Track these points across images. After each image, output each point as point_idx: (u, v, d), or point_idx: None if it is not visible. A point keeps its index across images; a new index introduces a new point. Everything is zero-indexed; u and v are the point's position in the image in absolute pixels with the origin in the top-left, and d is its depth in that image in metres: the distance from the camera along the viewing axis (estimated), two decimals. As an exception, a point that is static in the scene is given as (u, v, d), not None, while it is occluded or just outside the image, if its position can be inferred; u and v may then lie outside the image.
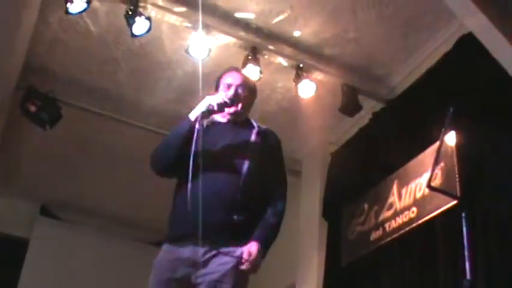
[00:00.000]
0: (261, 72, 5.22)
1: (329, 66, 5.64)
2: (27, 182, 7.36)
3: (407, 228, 4.86)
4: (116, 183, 7.22)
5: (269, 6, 5.14)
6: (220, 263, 2.71)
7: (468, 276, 3.41)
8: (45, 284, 7.18)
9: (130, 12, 4.86)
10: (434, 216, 4.56)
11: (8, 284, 7.01)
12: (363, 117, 5.95)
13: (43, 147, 6.68)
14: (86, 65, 5.85)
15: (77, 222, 7.75)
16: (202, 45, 5.09)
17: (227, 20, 5.23)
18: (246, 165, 2.89)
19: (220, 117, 3.08)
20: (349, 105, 5.69)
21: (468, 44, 4.48)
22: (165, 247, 2.85)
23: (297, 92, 5.54)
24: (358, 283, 5.36)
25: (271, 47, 5.43)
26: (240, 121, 3.10)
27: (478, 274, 3.81)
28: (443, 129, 3.94)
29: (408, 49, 5.48)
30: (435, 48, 5.29)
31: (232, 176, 2.86)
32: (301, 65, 5.51)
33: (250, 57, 5.22)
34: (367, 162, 5.74)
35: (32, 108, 5.70)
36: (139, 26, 4.90)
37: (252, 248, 2.73)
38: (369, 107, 5.92)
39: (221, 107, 2.98)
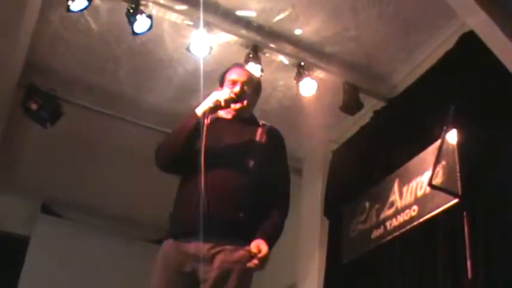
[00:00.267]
0: (262, 70, 5.21)
1: (330, 64, 5.64)
2: (28, 180, 7.36)
3: (408, 227, 4.85)
4: (116, 181, 7.22)
5: (270, 4, 5.13)
6: (226, 260, 2.70)
7: (469, 275, 3.41)
8: (46, 282, 7.18)
9: (131, 10, 4.86)
10: (436, 215, 4.55)
11: (8, 282, 7.02)
12: (364, 116, 5.94)
13: (44, 145, 6.68)
14: (87, 63, 5.85)
15: (77, 220, 7.76)
16: (204, 44, 5.09)
17: (228, 18, 5.22)
18: (251, 163, 2.89)
19: (224, 114, 3.07)
20: (350, 104, 5.68)
21: (469, 42, 4.48)
22: (171, 242, 2.83)
23: (298, 90, 5.54)
24: (359, 281, 5.36)
25: (272, 45, 5.42)
26: (245, 118, 3.09)
27: (478, 273, 3.81)
28: (444, 128, 3.94)
29: (409, 47, 5.48)
30: (436, 46, 5.28)
31: (238, 174, 2.85)
32: (302, 63, 5.51)
33: (251, 56, 5.22)
34: (368, 160, 5.74)
35: (33, 106, 5.70)
36: (141, 24, 4.89)
37: (261, 244, 2.72)
38: (370, 105, 5.91)
39: (228, 102, 2.97)
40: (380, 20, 5.21)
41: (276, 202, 2.93)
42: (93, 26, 5.40)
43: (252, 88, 3.12)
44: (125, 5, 4.91)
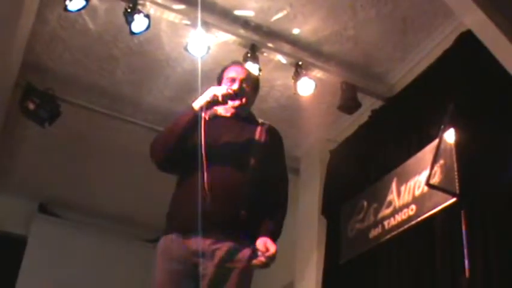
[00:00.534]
0: (260, 69, 5.21)
1: (328, 63, 5.64)
2: (25, 180, 7.36)
3: (406, 226, 4.85)
4: (114, 181, 7.22)
5: (268, 3, 5.13)
6: (227, 257, 2.71)
7: (466, 274, 3.42)
8: (44, 282, 7.18)
9: (129, 10, 4.85)
10: (433, 214, 4.56)
11: (6, 282, 7.02)
12: (362, 115, 5.94)
13: (42, 145, 6.68)
14: (85, 62, 5.84)
15: (75, 220, 7.76)
16: (201, 43, 5.08)
17: (226, 17, 5.22)
18: (252, 162, 2.89)
19: (223, 111, 3.08)
20: (348, 103, 5.68)
21: (467, 41, 4.48)
22: (173, 237, 2.80)
23: (296, 89, 5.53)
24: (357, 280, 5.36)
25: (270, 45, 5.42)
26: (244, 116, 3.09)
27: (476, 272, 3.81)
28: (442, 127, 3.95)
29: (407, 47, 5.48)
30: (434, 45, 5.29)
31: (239, 172, 2.85)
32: (300, 63, 5.50)
33: (249, 55, 5.21)
34: (366, 159, 5.74)
35: (31, 106, 5.69)
36: (138, 23, 4.89)
37: (268, 242, 2.73)
38: (368, 104, 5.91)
39: (226, 98, 2.95)
40: (378, 20, 5.21)
41: (276, 201, 2.94)
42: (91, 25, 5.39)
43: (251, 86, 3.12)
44: (123, 5, 4.90)
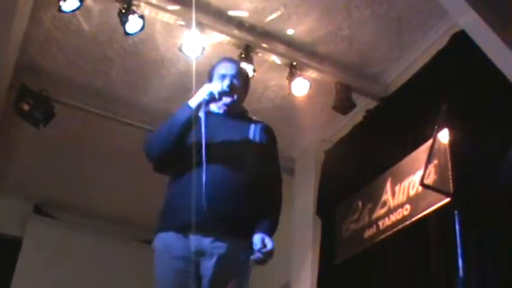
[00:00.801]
0: (254, 70, 5.21)
1: (322, 64, 5.65)
2: (20, 181, 7.34)
3: (400, 226, 4.87)
4: (109, 182, 7.21)
5: (262, 4, 5.14)
6: (226, 256, 2.70)
7: (461, 274, 3.42)
8: (39, 284, 7.17)
9: (123, 11, 4.85)
10: (428, 214, 4.57)
11: (1, 283, 7.00)
12: (357, 115, 5.95)
13: (36, 146, 6.67)
14: (79, 63, 5.83)
15: (70, 221, 7.75)
16: (196, 44, 5.08)
17: (220, 18, 5.22)
18: (247, 160, 2.88)
19: (216, 109, 3.06)
20: (343, 103, 5.69)
21: (461, 41, 4.49)
22: (172, 234, 2.76)
23: (290, 90, 5.54)
24: (352, 281, 5.37)
25: (264, 45, 5.42)
26: (237, 113, 3.08)
27: (470, 272, 3.82)
28: (436, 127, 3.95)
29: (402, 47, 5.49)
30: (429, 45, 5.30)
31: (236, 170, 2.84)
32: (294, 63, 5.51)
33: (243, 56, 5.21)
34: (360, 159, 5.75)
35: (25, 107, 5.68)
36: (133, 24, 4.88)
37: (266, 239, 2.73)
38: (363, 104, 5.92)
39: (221, 95, 2.94)
40: (372, 20, 5.22)
41: (271, 200, 2.93)
42: (85, 26, 5.38)
43: (242, 81, 3.09)
44: (117, 6, 4.90)
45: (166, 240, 2.78)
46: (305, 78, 5.52)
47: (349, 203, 5.70)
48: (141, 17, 4.89)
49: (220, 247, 2.71)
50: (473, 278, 3.83)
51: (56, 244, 7.54)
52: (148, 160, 2.93)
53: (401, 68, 5.65)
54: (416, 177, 4.77)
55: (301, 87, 5.51)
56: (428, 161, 4.08)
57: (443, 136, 4.27)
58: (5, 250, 7.40)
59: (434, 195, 4.42)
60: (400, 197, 4.98)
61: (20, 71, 5.62)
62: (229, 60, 3.26)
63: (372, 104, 5.88)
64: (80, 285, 7.29)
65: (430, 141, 4.11)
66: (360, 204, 5.53)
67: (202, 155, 2.78)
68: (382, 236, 5.07)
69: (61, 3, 4.72)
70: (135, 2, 4.89)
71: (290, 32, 5.40)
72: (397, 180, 5.09)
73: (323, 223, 6.09)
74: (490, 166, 4.00)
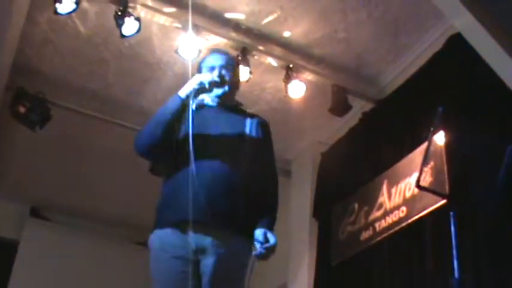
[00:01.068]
0: (250, 72, 5.23)
1: (319, 66, 5.66)
2: (17, 184, 7.32)
3: (397, 228, 4.87)
4: (105, 184, 7.20)
5: (259, 6, 5.14)
6: (225, 253, 2.65)
7: (456, 275, 3.43)
8: (36, 286, 7.15)
9: (119, 13, 4.85)
10: (424, 216, 4.57)
11: (-2, 286, 6.99)
12: (353, 118, 5.96)
13: (33, 148, 6.65)
14: (75, 65, 5.83)
15: (67, 224, 7.73)
16: (192, 46, 5.07)
17: (217, 20, 5.23)
18: (244, 155, 2.83)
19: (210, 101, 2.99)
20: (339, 106, 5.70)
21: (457, 44, 4.50)
22: (170, 231, 2.69)
23: (286, 92, 5.55)
24: (348, 283, 5.37)
25: (261, 48, 5.44)
26: (231, 105, 3.03)
27: (466, 273, 3.82)
28: (431, 129, 3.95)
29: (398, 49, 5.51)
30: (425, 48, 5.31)
31: (233, 165, 2.77)
32: (291, 66, 5.52)
33: (240, 58, 5.22)
34: (357, 162, 5.76)
35: (22, 110, 5.68)
36: (129, 26, 4.89)
37: (268, 234, 2.68)
38: (359, 107, 5.93)
39: (212, 85, 2.87)
40: (369, 22, 5.23)
41: (270, 197, 2.88)
42: (81, 28, 5.38)
43: (232, 71, 3.02)
44: (113, 8, 4.90)
45: (163, 238, 2.71)
46: (301, 80, 5.53)
47: (345, 204, 5.70)
48: (137, 19, 4.89)
49: (221, 245, 2.65)
50: (469, 279, 3.84)
51: (52, 247, 7.51)
52: (138, 152, 2.86)
53: (398, 71, 5.66)
54: (412, 179, 4.77)
55: (297, 89, 5.52)
56: (424, 163, 4.08)
57: (439, 138, 4.27)
58: (1, 253, 7.37)
59: (430, 197, 4.43)
60: (396, 199, 4.98)
61: (16, 74, 5.61)
62: (218, 51, 3.19)
63: (368, 106, 5.89)
64: (77, 287, 7.27)
65: (426, 143, 4.12)
66: (356, 206, 5.53)
67: (197, 149, 2.69)
68: (379, 238, 5.07)
69: (57, 5, 4.72)
70: (131, 4, 4.89)
71: (286, 34, 5.41)
72: (393, 182, 5.10)
73: (320, 225, 6.10)
74: (486, 168, 4.01)
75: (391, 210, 5.00)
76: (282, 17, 5.23)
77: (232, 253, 2.67)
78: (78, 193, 7.39)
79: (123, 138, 6.37)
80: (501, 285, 3.73)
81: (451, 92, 4.55)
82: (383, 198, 5.18)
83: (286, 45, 5.49)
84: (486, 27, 3.65)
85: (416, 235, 4.64)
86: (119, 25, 4.87)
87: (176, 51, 5.15)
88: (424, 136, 4.42)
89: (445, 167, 4.36)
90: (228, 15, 5.24)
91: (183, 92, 2.85)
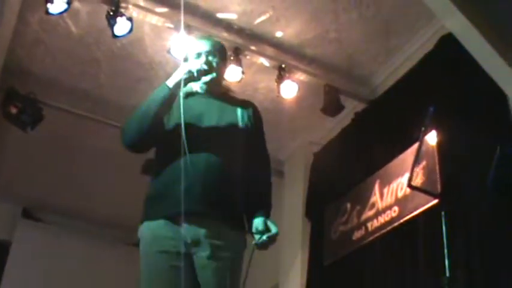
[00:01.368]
0: (243, 72, 5.23)
1: (311, 66, 5.67)
2: (8, 185, 7.29)
3: (389, 228, 4.89)
4: (98, 185, 7.18)
5: (251, 6, 5.15)
6: (221, 244, 2.61)
7: (447, 274, 3.44)
8: (28, 287, 7.13)
9: (111, 13, 4.84)
10: (416, 215, 4.59)
11: (-11, 287, 6.96)
12: (345, 118, 5.97)
13: (24, 149, 6.63)
14: (67, 66, 5.81)
15: (59, 224, 7.71)
16: (184, 46, 5.07)
17: (209, 20, 5.23)
18: (236, 145, 2.79)
19: (199, 89, 2.94)
20: (331, 106, 5.71)
21: (449, 44, 4.52)
22: (162, 222, 2.62)
23: (279, 92, 5.55)
24: (341, 282, 5.38)
25: (253, 48, 5.44)
26: (221, 92, 2.99)
27: (457, 272, 3.84)
28: (423, 129, 3.97)
29: (389, 49, 5.52)
30: (416, 48, 5.33)
31: (226, 155, 2.72)
32: (283, 66, 5.52)
33: (232, 58, 5.21)
34: (349, 162, 5.77)
35: (13, 110, 5.66)
36: (121, 26, 4.87)
37: (268, 222, 2.67)
38: (351, 107, 5.94)
39: (200, 74, 2.81)
40: (360, 23, 5.25)
41: (263, 182, 2.86)
42: (73, 28, 5.37)
43: (218, 57, 2.94)
44: (105, 8, 4.89)
45: (154, 231, 2.63)
46: (294, 80, 5.54)
47: (338, 204, 5.71)
48: (129, 19, 4.88)
49: (216, 237, 2.60)
50: (461, 278, 3.85)
51: (44, 248, 7.49)
52: (125, 145, 2.79)
53: (389, 71, 5.68)
54: (404, 179, 4.78)
55: (289, 89, 5.52)
56: (416, 163, 4.10)
57: (431, 138, 4.30)
58: (-7, 254, 7.35)
59: (422, 196, 4.44)
60: (389, 199, 5.00)
61: (7, 74, 5.58)
62: (204, 37, 3.17)
63: (360, 106, 5.90)
64: (69, 289, 7.27)
65: (418, 143, 4.14)
66: (348, 206, 5.55)
67: (190, 140, 2.63)
68: (371, 238, 5.08)
69: (48, 5, 4.70)
70: (123, 5, 4.88)
71: (279, 34, 5.41)
72: (386, 182, 5.11)
73: (312, 225, 6.11)
74: (477, 168, 4.02)
75: (383, 210, 5.01)
76: (274, 17, 5.24)
77: (227, 244, 2.63)
78: (70, 194, 7.37)
79: (115, 138, 6.30)
80: (493, 284, 3.74)
81: (443, 92, 4.56)
82: (375, 198, 5.19)
83: (278, 45, 5.49)
84: (477, 28, 3.67)
85: (408, 235, 4.65)
86: (111, 25, 4.85)
87: (168, 51, 5.15)
88: (415, 136, 4.43)
89: (437, 167, 4.37)
90: (220, 15, 5.24)
91: (171, 82, 2.77)
